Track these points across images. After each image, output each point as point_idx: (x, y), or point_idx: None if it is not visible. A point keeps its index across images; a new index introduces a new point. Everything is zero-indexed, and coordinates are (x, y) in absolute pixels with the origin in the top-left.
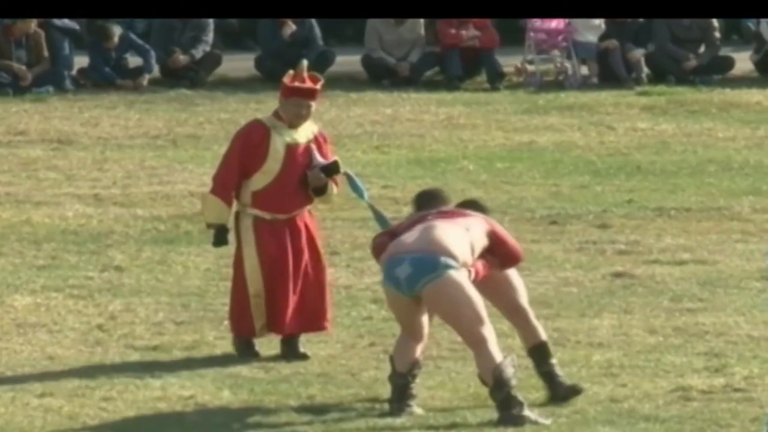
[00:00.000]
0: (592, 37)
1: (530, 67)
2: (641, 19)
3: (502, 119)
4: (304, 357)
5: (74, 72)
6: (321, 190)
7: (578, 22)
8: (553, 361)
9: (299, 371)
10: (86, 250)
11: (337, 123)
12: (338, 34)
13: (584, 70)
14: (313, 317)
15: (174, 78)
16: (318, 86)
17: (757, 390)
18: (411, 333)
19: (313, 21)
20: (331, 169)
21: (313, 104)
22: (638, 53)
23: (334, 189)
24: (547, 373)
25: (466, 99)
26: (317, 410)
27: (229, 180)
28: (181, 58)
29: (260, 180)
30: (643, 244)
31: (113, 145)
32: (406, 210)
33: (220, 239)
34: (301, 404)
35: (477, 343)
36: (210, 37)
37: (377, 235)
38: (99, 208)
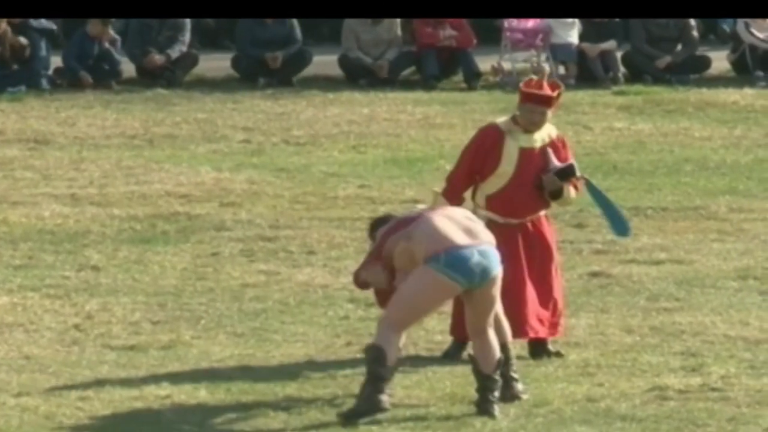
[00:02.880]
0: (570, 38)
1: (507, 66)
2: (617, 19)
3: (479, 119)
4: (558, 355)
5: (51, 72)
6: (557, 194)
7: (555, 25)
8: (513, 363)
9: (276, 371)
10: (63, 250)
11: (314, 123)
12: (315, 33)
13: (561, 69)
14: (545, 323)
15: (150, 78)
16: (555, 93)
17: (734, 389)
18: (407, 325)
19: (294, 21)
20: (567, 173)
21: (549, 111)
22: (611, 45)
23: (572, 193)
24: (502, 375)
25: (442, 98)
26: (294, 410)
27: (460, 183)
28: (157, 57)
29: (494, 183)
30: (620, 243)
31: (90, 144)
32: (383, 209)
33: None
34: (278, 404)
35: (487, 331)
36: (186, 36)
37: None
38: (76, 207)
